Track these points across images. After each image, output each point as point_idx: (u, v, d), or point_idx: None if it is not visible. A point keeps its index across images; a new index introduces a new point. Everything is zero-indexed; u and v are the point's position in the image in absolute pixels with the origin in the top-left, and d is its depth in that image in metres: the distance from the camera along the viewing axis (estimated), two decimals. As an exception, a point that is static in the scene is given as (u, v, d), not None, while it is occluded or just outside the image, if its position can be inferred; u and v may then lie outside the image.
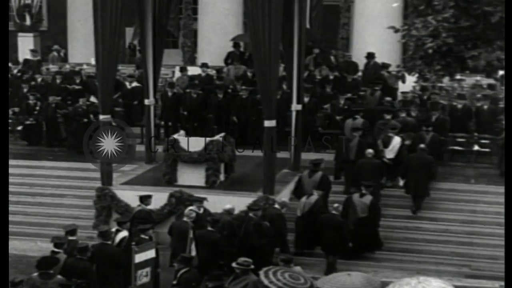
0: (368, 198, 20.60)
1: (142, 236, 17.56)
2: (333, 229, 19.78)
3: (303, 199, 20.93)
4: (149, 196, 20.01)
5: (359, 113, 24.44)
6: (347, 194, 21.86)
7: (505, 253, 13.59)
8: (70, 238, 17.78)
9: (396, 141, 23.06)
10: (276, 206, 20.20)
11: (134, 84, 28.70)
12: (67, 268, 16.35)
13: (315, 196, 20.70)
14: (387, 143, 23.08)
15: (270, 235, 19.24)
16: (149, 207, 20.11)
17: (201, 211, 19.70)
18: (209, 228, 18.64)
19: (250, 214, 19.59)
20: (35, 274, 15.70)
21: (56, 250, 16.99)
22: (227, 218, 19.51)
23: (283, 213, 20.01)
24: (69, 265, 16.47)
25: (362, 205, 20.52)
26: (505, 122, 15.61)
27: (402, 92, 26.86)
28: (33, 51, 32.22)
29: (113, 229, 18.43)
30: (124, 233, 18.22)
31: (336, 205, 20.22)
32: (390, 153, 22.98)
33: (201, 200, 20.09)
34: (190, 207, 19.49)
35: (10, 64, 28.57)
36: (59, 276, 15.66)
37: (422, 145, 22.55)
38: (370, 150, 22.36)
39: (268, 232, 19.21)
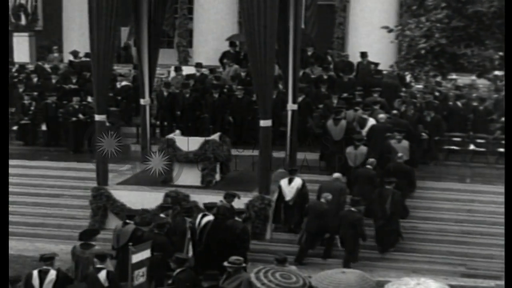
0: (405, 143, 22.52)
1: (237, 218, 19.12)
2: (404, 176, 21.39)
3: (350, 150, 22.22)
4: (233, 195, 20.27)
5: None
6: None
7: (505, 253, 13.59)
8: (161, 215, 19.35)
9: (371, 122, 23.73)
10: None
11: (124, 83, 28.71)
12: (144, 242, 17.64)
13: (364, 148, 22.08)
14: (362, 124, 23.70)
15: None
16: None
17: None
18: (322, 200, 20.33)
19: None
20: (78, 244, 17.27)
21: (128, 221, 18.78)
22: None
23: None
24: (146, 239, 17.69)
25: (402, 149, 22.20)
26: (505, 122, 15.65)
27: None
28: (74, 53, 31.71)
29: (200, 214, 19.42)
30: (209, 218, 19.21)
31: (400, 154, 21.76)
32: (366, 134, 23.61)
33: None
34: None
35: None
36: (97, 247, 17.01)
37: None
38: (382, 115, 23.63)
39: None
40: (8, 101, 19.25)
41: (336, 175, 21.29)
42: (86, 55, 28.94)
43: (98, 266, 15.98)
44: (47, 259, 16.00)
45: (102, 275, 15.79)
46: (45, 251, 17.15)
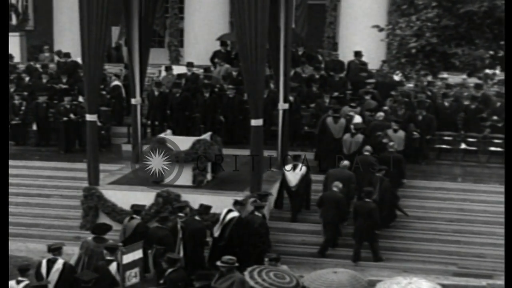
0: (402, 133, 23.19)
1: (256, 213, 19.45)
2: (395, 164, 21.74)
3: (346, 137, 22.71)
4: (267, 194, 20.69)
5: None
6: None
7: (505, 252, 13.63)
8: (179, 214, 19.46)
9: (357, 119, 24.03)
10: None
11: (115, 83, 28.72)
12: (149, 235, 18.39)
13: (360, 136, 22.55)
14: (350, 122, 23.84)
15: None
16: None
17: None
18: (334, 189, 20.63)
19: None
20: (90, 238, 17.89)
21: (135, 216, 19.18)
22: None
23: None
24: (150, 233, 18.46)
25: (398, 139, 22.90)
26: (505, 122, 15.68)
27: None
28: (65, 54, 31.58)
29: (225, 209, 19.65)
30: (234, 214, 19.56)
31: (391, 143, 22.33)
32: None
33: None
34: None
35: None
36: (110, 241, 17.54)
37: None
38: (381, 113, 24.19)
39: None
40: (8, 103, 19.27)
41: (345, 163, 21.61)
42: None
43: (109, 258, 16.48)
44: (55, 249, 16.55)
45: (113, 267, 16.27)
46: (37, 251, 17.23)
